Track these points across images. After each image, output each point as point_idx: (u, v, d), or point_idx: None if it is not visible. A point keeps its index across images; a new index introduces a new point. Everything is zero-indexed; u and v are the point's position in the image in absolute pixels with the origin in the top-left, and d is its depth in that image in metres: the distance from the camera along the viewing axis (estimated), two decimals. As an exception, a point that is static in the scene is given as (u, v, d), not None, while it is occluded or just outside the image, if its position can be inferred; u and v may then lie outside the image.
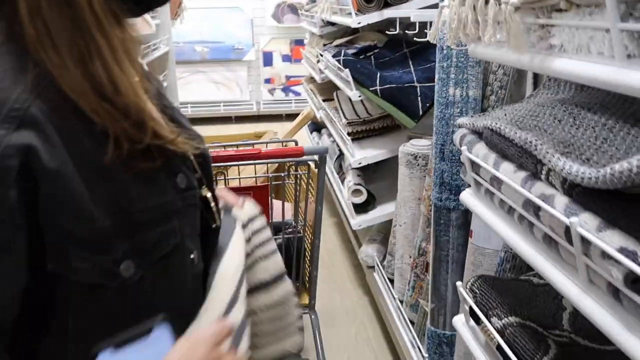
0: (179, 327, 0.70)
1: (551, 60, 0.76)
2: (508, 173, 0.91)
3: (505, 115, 1.02)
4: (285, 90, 6.29)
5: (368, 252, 2.55)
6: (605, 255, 0.66)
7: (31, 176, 0.57)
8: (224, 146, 1.46)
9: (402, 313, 2.08)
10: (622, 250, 0.63)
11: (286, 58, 6.24)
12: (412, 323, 2.02)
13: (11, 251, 0.57)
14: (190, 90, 5.97)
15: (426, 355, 1.78)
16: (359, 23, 2.25)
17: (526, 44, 0.79)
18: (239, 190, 1.45)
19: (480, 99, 1.61)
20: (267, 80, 6.26)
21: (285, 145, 1.70)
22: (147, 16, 3.16)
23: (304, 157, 1.39)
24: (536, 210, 0.82)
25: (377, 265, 2.43)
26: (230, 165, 1.42)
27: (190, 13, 4.68)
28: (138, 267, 0.66)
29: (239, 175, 1.47)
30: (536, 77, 1.47)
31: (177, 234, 0.71)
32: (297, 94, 6.16)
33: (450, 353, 1.71)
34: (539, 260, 0.84)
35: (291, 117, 5.93)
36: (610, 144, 0.79)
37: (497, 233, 1.01)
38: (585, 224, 0.70)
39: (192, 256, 0.74)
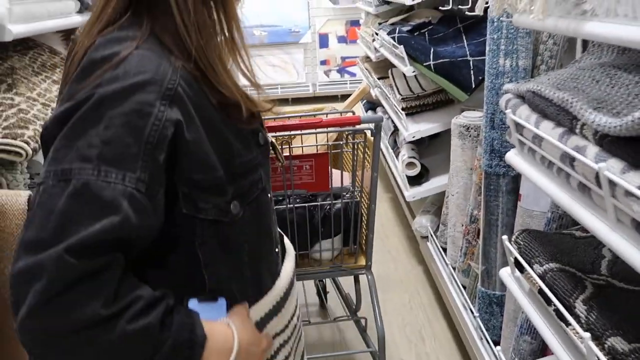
0: (262, 251, 0.91)
1: (583, 24, 0.85)
2: (547, 130, 1.00)
3: (548, 79, 1.11)
4: (341, 71, 6.39)
5: (422, 222, 2.65)
6: (628, 193, 0.75)
7: (173, 144, 0.72)
8: (288, 117, 1.60)
9: (454, 278, 2.18)
10: (642, 188, 0.72)
11: (342, 39, 6.33)
12: (464, 287, 2.11)
13: (155, 198, 0.72)
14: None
15: (477, 315, 1.88)
16: (413, 0, 2.33)
17: (561, 10, 0.88)
18: (301, 158, 1.58)
19: (530, 68, 1.67)
20: (323, 62, 6.37)
21: (344, 116, 1.82)
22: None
23: (361, 126, 1.51)
24: (571, 161, 0.92)
25: (431, 235, 2.53)
26: (294, 135, 1.56)
27: (248, -2, 4.84)
28: (241, 206, 0.83)
29: (302, 144, 1.61)
30: (585, 45, 1.53)
31: (262, 181, 0.90)
32: (353, 74, 6.25)
33: (500, 312, 1.80)
34: (574, 207, 0.94)
35: (346, 97, 6.02)
36: (641, 99, 0.87)
37: (538, 187, 1.10)
38: (611, 167, 0.79)
39: (269, 195, 0.93)
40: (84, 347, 0.65)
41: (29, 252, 0.63)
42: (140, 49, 0.73)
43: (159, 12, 0.76)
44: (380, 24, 3.31)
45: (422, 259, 2.71)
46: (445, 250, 2.39)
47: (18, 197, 1.08)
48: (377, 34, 3.16)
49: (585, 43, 1.56)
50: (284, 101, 6.28)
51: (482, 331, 1.83)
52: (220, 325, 0.80)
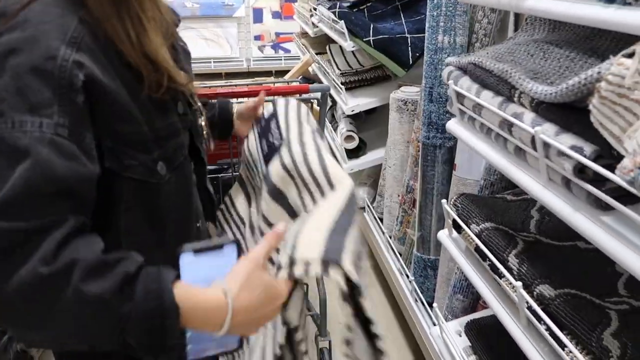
0: (185, 224, 0.91)
1: (523, 1, 0.92)
2: (487, 99, 1.08)
3: (487, 53, 1.19)
4: (275, 47, 6.36)
5: (359, 194, 2.74)
6: (560, 153, 0.84)
7: (90, 92, 0.70)
8: (235, 85, 1.61)
9: (390, 245, 2.28)
10: (572, 148, 0.82)
11: (276, 15, 6.29)
12: (400, 254, 2.22)
13: (83, 142, 0.69)
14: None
15: (412, 279, 1.99)
16: (354, -24, 2.37)
17: (505, -14, 0.96)
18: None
19: (466, 45, 1.77)
20: (257, 37, 6.31)
21: (292, 85, 1.84)
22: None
23: (308, 95, 1.55)
24: (509, 127, 1.00)
25: (368, 206, 2.62)
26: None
27: (181, -33, 4.71)
28: (167, 169, 0.83)
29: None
30: (517, 24, 1.64)
31: (184, 147, 0.90)
32: (287, 50, 6.24)
33: (434, 275, 1.92)
34: (510, 169, 1.03)
35: (281, 73, 6.02)
36: (571, 71, 0.96)
37: (473, 156, 1.19)
38: (546, 131, 0.88)
39: (191, 165, 0.94)
40: (44, 313, 0.62)
41: None
42: (40, 1, 0.71)
43: None
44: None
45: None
46: (381, 220, 2.49)
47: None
48: (315, 9, 3.18)
49: (517, 23, 1.67)
50: (217, 75, 6.18)
51: (417, 293, 1.95)
52: (211, 291, 0.71)
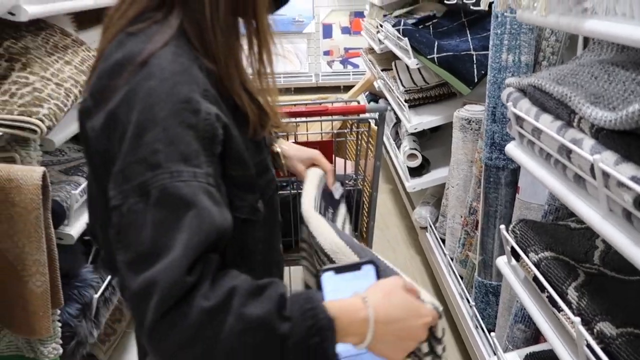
0: (271, 252, 0.93)
1: (583, 21, 0.88)
2: (546, 123, 1.03)
3: (549, 74, 1.14)
4: (344, 62, 6.40)
5: (421, 213, 2.69)
6: (620, 184, 0.79)
7: (224, 142, 0.73)
8: (294, 104, 1.64)
9: (452, 268, 2.22)
10: (633, 179, 0.76)
11: (345, 30, 6.34)
12: (461, 278, 2.16)
13: (222, 194, 0.73)
14: (252, 62, 6.18)
15: (473, 304, 1.93)
16: (419, -6, 2.35)
17: (563, 8, 0.92)
18: (306, 145, 1.62)
19: (532, 64, 1.71)
20: (326, 53, 6.39)
21: (349, 105, 1.85)
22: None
23: (365, 115, 1.55)
24: (568, 153, 0.95)
25: (430, 226, 2.57)
26: (300, 122, 1.60)
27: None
28: (263, 205, 0.85)
29: (307, 131, 1.64)
30: (586, 42, 1.56)
31: (274, 180, 0.92)
32: (355, 66, 6.27)
33: (496, 302, 1.85)
34: (569, 197, 0.98)
35: (349, 88, 6.03)
36: (636, 95, 0.90)
37: (536, 179, 1.13)
38: (605, 159, 0.83)
39: (278, 197, 0.96)
40: (211, 348, 0.63)
41: (137, 271, 0.63)
42: (169, 47, 0.72)
43: (190, 10, 0.76)
44: (385, 15, 3.33)
45: (420, 249, 2.75)
46: (443, 241, 2.43)
47: (32, 173, 1.12)
48: (381, 25, 3.18)
49: (586, 40, 1.59)
50: (287, 90, 6.30)
51: (477, 319, 1.88)
52: (351, 300, 0.72)
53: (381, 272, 0.79)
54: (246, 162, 0.79)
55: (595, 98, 0.93)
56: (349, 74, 6.29)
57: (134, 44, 0.73)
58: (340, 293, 0.73)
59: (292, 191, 1.68)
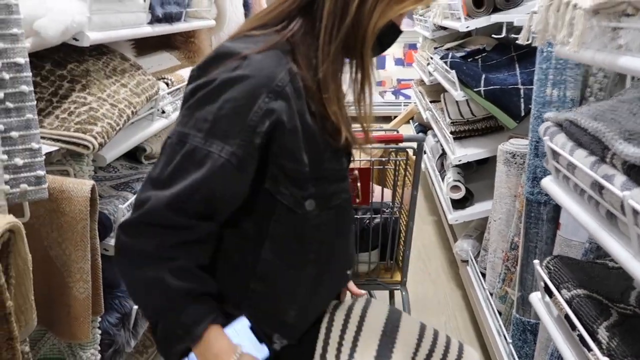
0: (332, 260, 0.99)
1: (617, 57, 0.88)
2: (580, 158, 1.02)
3: (589, 109, 1.14)
4: (396, 93, 6.44)
5: (463, 246, 2.65)
6: (649, 222, 0.78)
7: (273, 131, 0.87)
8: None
9: (490, 303, 2.17)
10: (661, 216, 0.75)
11: (399, 61, 6.39)
12: (500, 314, 2.11)
13: (245, 171, 0.88)
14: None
15: (510, 341, 1.88)
16: (467, 27, 2.37)
17: (598, 44, 0.92)
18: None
19: (578, 99, 1.69)
20: (379, 83, 6.44)
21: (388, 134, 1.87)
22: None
23: (403, 144, 1.57)
24: (600, 189, 0.94)
25: (471, 259, 2.53)
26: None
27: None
28: (317, 206, 0.94)
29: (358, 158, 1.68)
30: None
31: (347, 192, 0.99)
32: (407, 97, 6.29)
33: (534, 340, 1.79)
34: (601, 234, 0.96)
35: (400, 119, 6.06)
36: (673, 133, 0.89)
37: (569, 212, 1.12)
38: (636, 196, 0.82)
39: (351, 214, 1.03)
40: (134, 268, 0.88)
41: (150, 187, 0.87)
42: (264, 52, 0.87)
43: (310, 24, 0.91)
44: (435, 48, 3.36)
45: (461, 282, 2.71)
46: (484, 275, 2.38)
47: (83, 186, 1.20)
48: (431, 58, 3.21)
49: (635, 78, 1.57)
50: (338, 119, 6.37)
51: (514, 358, 1.83)
52: (225, 342, 0.90)
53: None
54: (299, 160, 0.89)
55: (630, 134, 0.92)
56: (400, 105, 6.32)
57: (244, 43, 0.89)
58: (238, 334, 0.91)
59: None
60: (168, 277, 0.86)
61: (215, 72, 0.87)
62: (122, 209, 1.51)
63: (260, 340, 0.94)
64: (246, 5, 2.80)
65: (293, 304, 0.98)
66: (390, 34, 0.97)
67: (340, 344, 1.02)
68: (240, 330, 0.92)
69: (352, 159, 1.06)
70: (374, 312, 1.08)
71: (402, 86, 6.39)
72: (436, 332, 1.12)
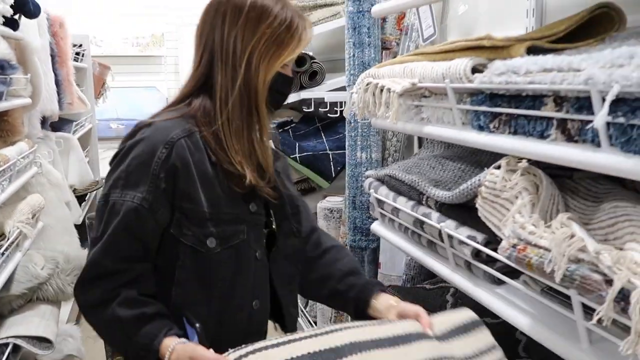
0: (234, 294, 1.08)
1: (422, 127, 1.21)
2: (402, 203, 1.33)
3: (399, 166, 1.47)
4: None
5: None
6: (460, 242, 1.08)
7: (172, 176, 1.01)
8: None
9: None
10: (469, 237, 1.06)
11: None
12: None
13: (157, 212, 1.02)
14: (104, 165, 6.10)
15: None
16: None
17: (406, 117, 1.24)
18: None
19: (380, 159, 2.07)
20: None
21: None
22: (83, 95, 3.43)
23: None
24: (421, 224, 1.25)
25: (301, 310, 2.75)
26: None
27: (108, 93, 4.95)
28: (218, 244, 1.05)
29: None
30: (420, 142, 1.97)
31: (244, 234, 1.08)
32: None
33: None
34: (426, 259, 1.26)
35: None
36: (463, 179, 1.24)
37: (395, 253, 1.42)
38: (449, 226, 1.13)
39: (256, 254, 1.11)
40: (93, 317, 1.04)
41: (91, 247, 1.04)
42: (169, 120, 1.06)
43: (208, 96, 1.08)
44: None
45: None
46: (316, 323, 2.62)
47: None
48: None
49: (420, 140, 2.01)
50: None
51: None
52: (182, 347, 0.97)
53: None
54: (196, 200, 1.03)
55: (435, 182, 1.25)
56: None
57: (156, 117, 1.09)
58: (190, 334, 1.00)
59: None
60: (118, 310, 0.99)
61: (128, 142, 1.05)
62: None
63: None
64: (57, 84, 2.76)
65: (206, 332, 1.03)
66: (282, 82, 1.12)
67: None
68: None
69: (259, 208, 1.12)
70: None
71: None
72: None
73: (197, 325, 0.99)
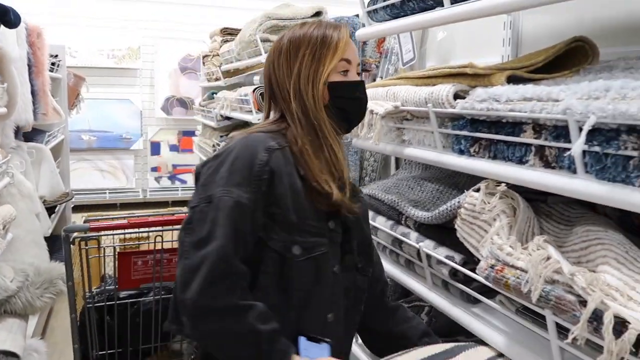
0: (310, 305, 1.10)
1: (403, 149, 1.24)
2: (381, 223, 1.36)
3: (378, 186, 1.50)
4: (172, 178, 6.54)
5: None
6: (438, 262, 1.11)
7: (271, 179, 1.04)
8: (162, 214, 1.77)
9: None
10: (447, 257, 1.09)
11: (174, 147, 6.55)
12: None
13: (257, 213, 1.03)
14: (74, 177, 6.01)
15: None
16: (259, 119, 2.71)
17: (387, 139, 1.28)
18: (171, 252, 1.75)
19: (358, 179, 2.10)
20: (154, 169, 6.48)
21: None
22: (58, 106, 3.39)
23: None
24: (400, 244, 1.27)
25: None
26: (166, 230, 1.74)
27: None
28: (302, 253, 1.07)
29: (172, 239, 1.77)
30: (397, 163, 2.00)
31: (325, 247, 1.10)
32: (184, 182, 6.45)
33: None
34: (403, 277, 1.28)
35: (178, 203, 6.15)
36: (441, 200, 1.27)
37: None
38: (427, 245, 1.15)
39: (334, 269, 1.12)
40: (217, 326, 0.96)
41: (195, 250, 0.98)
42: (261, 133, 1.11)
43: (289, 122, 1.13)
44: (222, 136, 3.65)
45: None
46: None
47: None
48: (219, 144, 3.48)
49: (397, 161, 2.05)
50: (112, 206, 6.17)
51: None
52: None
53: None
54: (285, 206, 1.06)
55: (415, 203, 1.28)
56: (178, 190, 6.43)
57: (250, 128, 1.16)
58: (306, 353, 1.02)
59: (156, 297, 1.77)
60: (257, 325, 0.97)
61: (225, 149, 1.10)
62: None
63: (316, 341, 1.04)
64: (33, 94, 2.73)
65: None
66: (344, 88, 1.13)
67: None
68: (301, 347, 1.02)
69: (337, 227, 1.15)
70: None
71: (178, 171, 6.53)
72: None
73: (329, 340, 1.03)
